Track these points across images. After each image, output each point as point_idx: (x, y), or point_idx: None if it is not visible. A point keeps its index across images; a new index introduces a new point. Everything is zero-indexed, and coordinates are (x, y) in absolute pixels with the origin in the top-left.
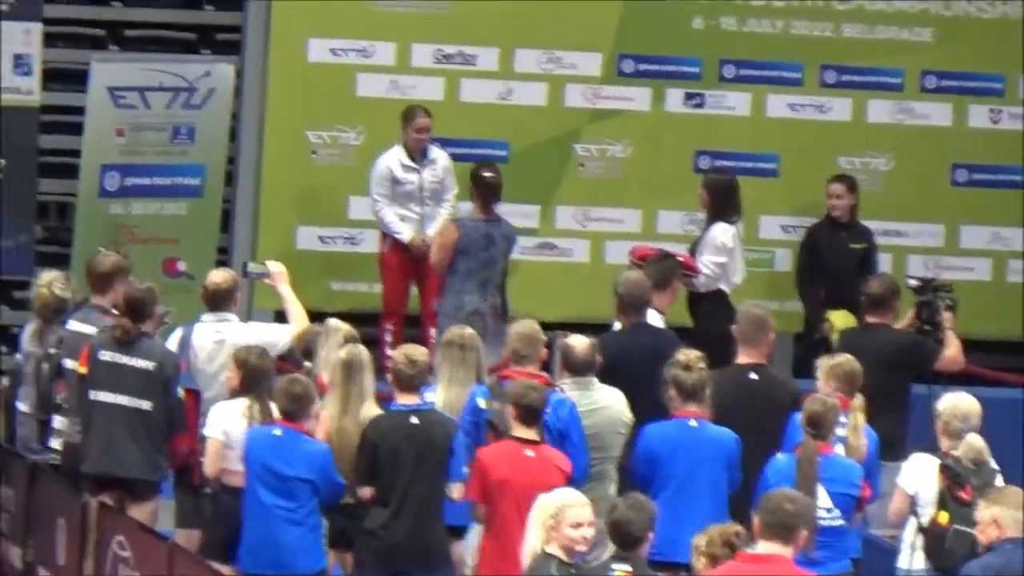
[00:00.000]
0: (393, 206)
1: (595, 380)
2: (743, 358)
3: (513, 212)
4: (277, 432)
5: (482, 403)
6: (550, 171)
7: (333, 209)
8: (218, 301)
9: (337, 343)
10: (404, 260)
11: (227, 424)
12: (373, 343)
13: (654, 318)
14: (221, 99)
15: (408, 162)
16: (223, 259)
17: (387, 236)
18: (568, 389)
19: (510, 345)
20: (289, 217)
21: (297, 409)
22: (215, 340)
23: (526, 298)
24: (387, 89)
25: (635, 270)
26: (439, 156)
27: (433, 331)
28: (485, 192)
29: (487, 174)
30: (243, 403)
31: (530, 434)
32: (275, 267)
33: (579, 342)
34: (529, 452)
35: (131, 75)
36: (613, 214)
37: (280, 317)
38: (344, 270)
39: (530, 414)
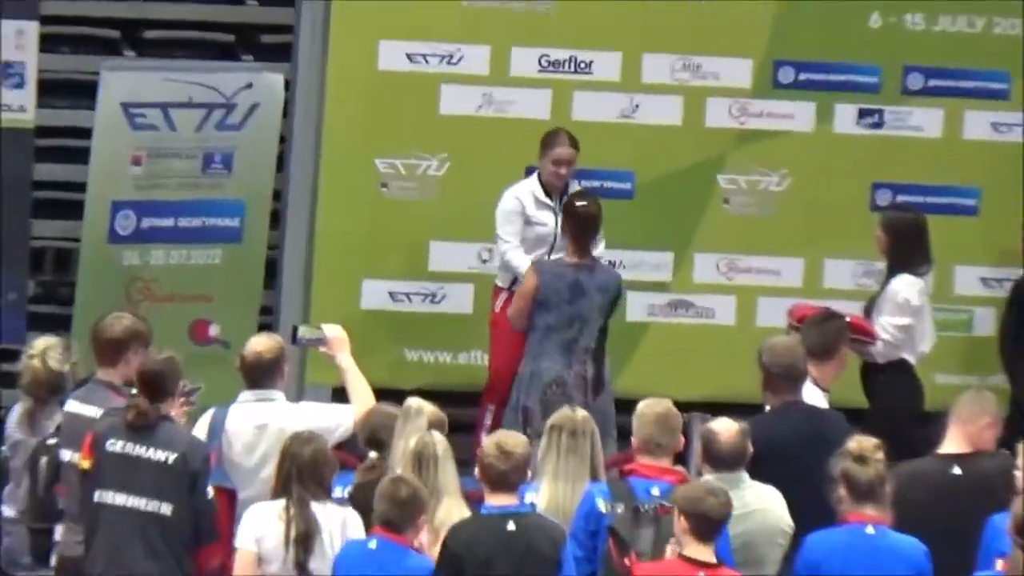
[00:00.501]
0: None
1: (746, 476)
2: (949, 446)
3: (639, 261)
4: (372, 545)
5: (602, 506)
6: (686, 209)
7: (409, 258)
8: (260, 375)
9: (419, 429)
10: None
11: (261, 530)
12: (465, 431)
13: (814, 396)
14: (267, 118)
15: (544, 198)
16: (267, 322)
17: (502, 290)
18: (708, 482)
19: (640, 431)
20: (352, 268)
21: (401, 518)
22: (256, 425)
23: (656, 370)
24: (478, 105)
25: (792, 334)
26: (597, 199)
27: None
28: (576, 226)
29: (580, 203)
30: (281, 504)
31: (705, 554)
32: (333, 332)
33: (725, 428)
34: None
35: (151, 88)
36: (767, 263)
37: (339, 396)
38: (422, 336)
39: (708, 527)
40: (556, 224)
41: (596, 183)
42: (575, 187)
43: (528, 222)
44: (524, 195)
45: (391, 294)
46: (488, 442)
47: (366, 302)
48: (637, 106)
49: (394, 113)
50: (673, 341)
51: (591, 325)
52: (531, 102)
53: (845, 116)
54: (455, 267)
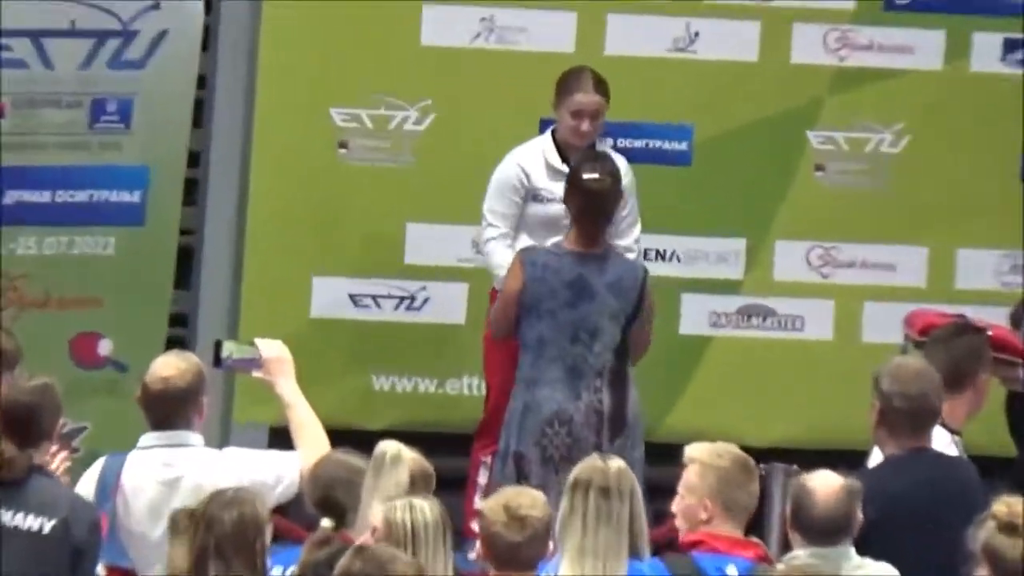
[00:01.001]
0: (519, 241)
1: (853, 552)
2: None
3: (698, 252)
4: None
5: None
6: (765, 178)
7: (378, 247)
8: (169, 411)
9: (397, 486)
10: None
11: None
12: (454, 488)
13: (940, 439)
14: (180, 51)
15: (560, 165)
16: (179, 336)
17: (497, 294)
18: (805, 566)
19: (700, 488)
20: (298, 262)
21: None
22: (163, 480)
23: (720, 403)
24: (475, 34)
25: (913, 354)
26: (616, 165)
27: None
28: (581, 204)
29: (588, 175)
30: None
31: None
32: (271, 350)
33: (824, 486)
34: None
35: (17, 9)
36: (877, 255)
37: (280, 440)
38: (396, 355)
39: None
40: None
41: (639, 143)
42: (608, 153)
43: (536, 198)
44: (530, 160)
45: (353, 297)
46: (492, 504)
47: (318, 308)
48: (696, 35)
49: (357, 44)
50: (745, 363)
51: (603, 337)
52: (548, 30)
53: (986, 50)
54: (441, 260)
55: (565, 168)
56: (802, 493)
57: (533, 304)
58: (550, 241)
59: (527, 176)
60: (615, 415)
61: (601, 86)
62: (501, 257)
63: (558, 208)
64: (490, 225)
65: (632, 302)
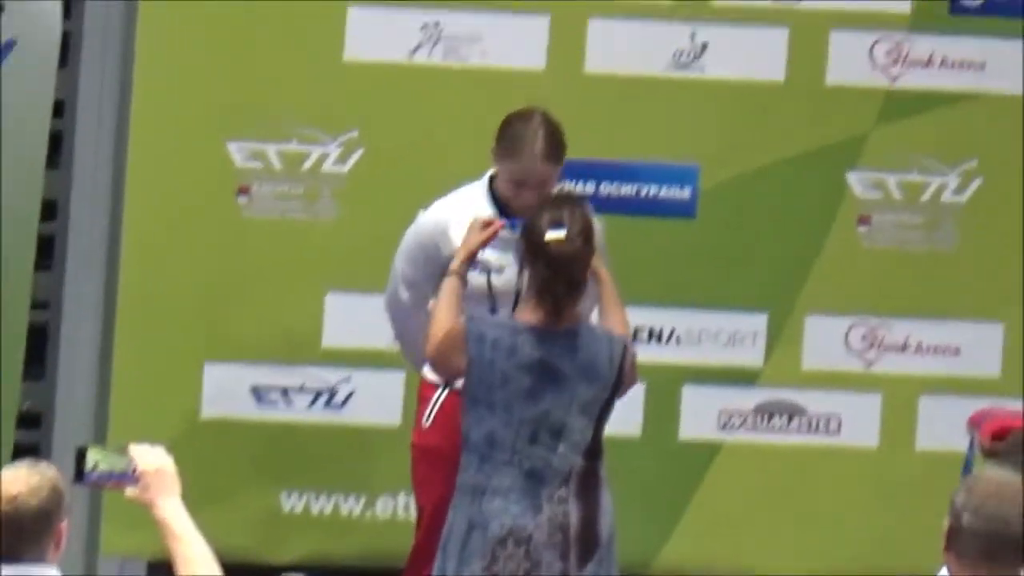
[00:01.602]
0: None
1: None
2: None
3: (706, 330)
4: None
5: None
6: (793, 235)
7: (289, 325)
8: (17, 539)
9: None
10: None
11: None
12: None
13: None
14: (29, 68)
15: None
16: (30, 442)
17: (434, 389)
18: None
19: None
20: (185, 345)
21: None
22: None
23: (733, 528)
24: (416, 45)
25: (984, 465)
26: (588, 214)
27: None
28: (545, 272)
29: (552, 233)
30: None
31: None
32: (149, 460)
33: None
34: None
35: None
36: (937, 333)
37: None
38: (312, 467)
39: None
40: (520, 268)
41: (628, 189)
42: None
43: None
44: (456, 218)
45: (255, 391)
46: None
47: (211, 405)
48: (704, 47)
49: (262, 59)
50: (764, 476)
51: (571, 436)
52: (511, 40)
53: None
54: (370, 341)
55: (506, 233)
56: None
57: (481, 394)
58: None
59: (449, 239)
60: (585, 532)
61: (554, 150)
62: (406, 324)
63: (492, 281)
64: (398, 304)
65: (609, 387)
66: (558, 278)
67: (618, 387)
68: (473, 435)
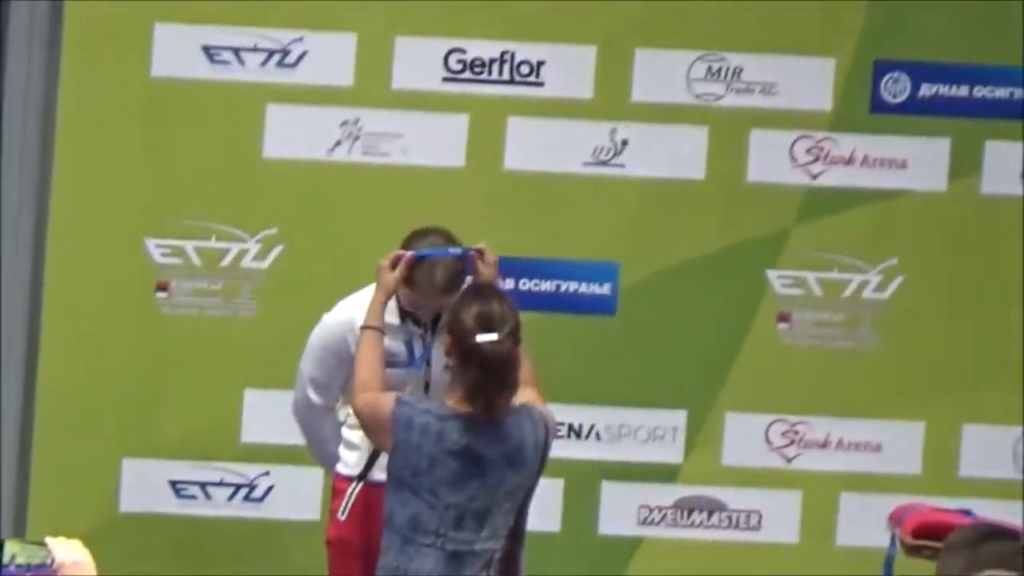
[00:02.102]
0: (345, 412)
1: None
2: None
3: (626, 426)
4: None
5: None
6: (713, 333)
7: (207, 420)
8: None
9: None
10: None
11: None
12: None
13: None
14: None
15: (399, 323)
16: None
17: (347, 481)
18: None
19: None
20: (103, 438)
21: None
22: None
23: None
24: (335, 142)
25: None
26: (513, 308)
27: None
28: (477, 374)
29: (483, 336)
30: None
31: None
32: (65, 553)
33: None
34: None
35: None
36: (857, 431)
37: None
38: (232, 560)
39: None
40: (428, 363)
41: (547, 285)
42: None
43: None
44: (362, 315)
45: (174, 485)
46: None
47: (130, 499)
48: (624, 143)
49: (180, 155)
50: (687, 571)
51: (494, 520)
52: (431, 137)
53: (1002, 164)
54: (289, 437)
55: (413, 326)
56: None
57: (407, 477)
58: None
59: (356, 335)
60: None
61: (454, 281)
62: (327, 445)
63: (403, 374)
64: (309, 401)
65: (534, 472)
66: (490, 379)
67: (542, 469)
68: (396, 517)
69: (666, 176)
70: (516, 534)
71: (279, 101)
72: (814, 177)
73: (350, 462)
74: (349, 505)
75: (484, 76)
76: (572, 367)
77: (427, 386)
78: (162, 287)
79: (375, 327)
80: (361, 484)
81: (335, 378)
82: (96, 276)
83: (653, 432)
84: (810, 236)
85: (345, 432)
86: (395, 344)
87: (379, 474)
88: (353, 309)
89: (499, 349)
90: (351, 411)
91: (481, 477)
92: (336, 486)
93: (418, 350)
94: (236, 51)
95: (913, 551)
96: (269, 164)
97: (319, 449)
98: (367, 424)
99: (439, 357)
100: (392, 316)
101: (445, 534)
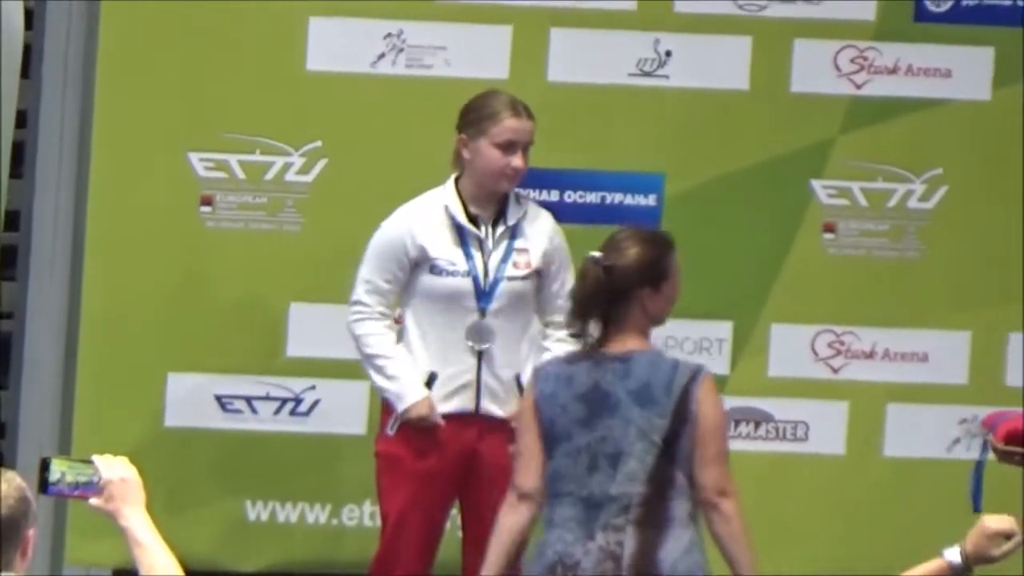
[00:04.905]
0: (407, 318)
1: None
2: None
3: (672, 337)
4: None
5: None
6: (756, 243)
7: (252, 335)
8: None
9: None
10: (435, 452)
11: None
12: None
13: None
14: None
15: (466, 223)
16: None
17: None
18: None
19: None
20: (148, 354)
21: None
22: None
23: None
24: (378, 55)
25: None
26: (539, 223)
27: None
28: (592, 288)
29: (623, 241)
30: None
31: None
32: (113, 471)
33: None
34: None
35: None
36: (903, 341)
37: None
38: (276, 476)
39: None
40: (483, 267)
41: (592, 196)
42: (528, 205)
43: (433, 269)
44: (424, 221)
45: (220, 400)
46: None
47: (174, 414)
48: (667, 54)
49: (224, 69)
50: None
51: (629, 463)
52: (474, 49)
53: None
54: (335, 351)
55: (475, 230)
56: None
57: (547, 429)
58: (442, 323)
59: (416, 242)
60: (640, 562)
61: (527, 108)
62: (381, 349)
63: (460, 283)
64: (361, 305)
65: (667, 414)
66: (599, 291)
67: (682, 417)
68: (551, 467)
69: (710, 87)
70: (663, 481)
71: (322, 15)
72: (858, 87)
73: (389, 379)
74: (398, 421)
75: None
76: None
77: (479, 294)
78: (206, 201)
79: None
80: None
81: (392, 284)
82: (139, 191)
83: (699, 344)
84: (854, 146)
85: (399, 350)
86: (453, 251)
87: (410, 395)
88: (410, 213)
89: (628, 257)
90: (406, 327)
91: (610, 416)
92: (386, 401)
93: (476, 256)
94: None
95: (1005, 457)
96: (313, 78)
97: (371, 364)
98: (520, 426)
99: (496, 263)
100: (463, 219)
101: (580, 479)
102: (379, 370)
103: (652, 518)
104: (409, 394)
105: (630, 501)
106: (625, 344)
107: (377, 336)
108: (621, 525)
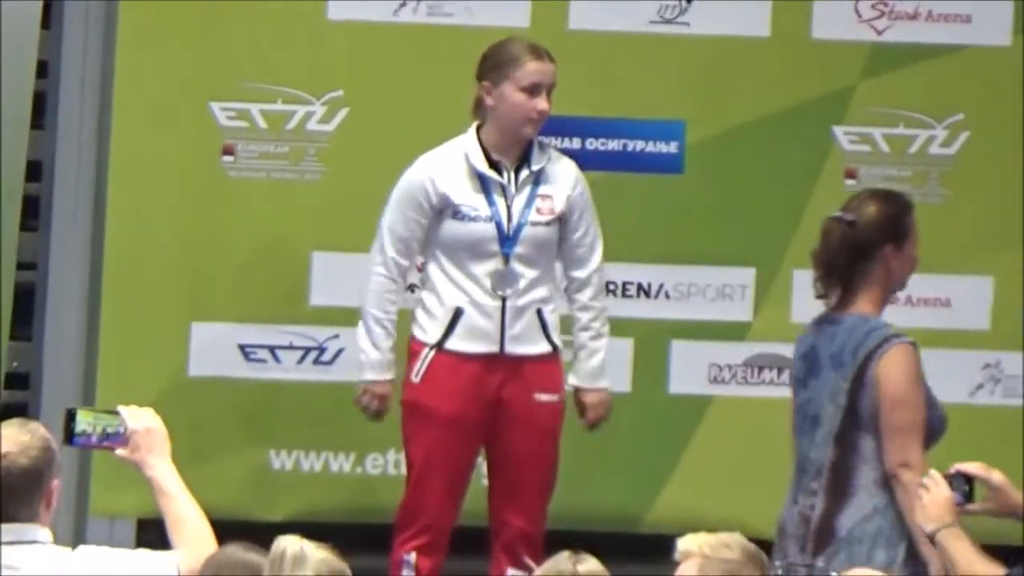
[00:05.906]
0: (431, 266)
1: None
2: None
3: (693, 285)
4: None
5: None
6: (778, 189)
7: (275, 283)
8: (9, 499)
9: None
10: (460, 398)
11: None
12: None
13: None
14: (13, 30)
15: (487, 170)
16: (16, 401)
17: (423, 347)
18: None
19: None
20: (171, 303)
21: None
22: None
23: (723, 485)
24: (398, 4)
25: None
26: (563, 170)
27: (512, 572)
28: (832, 246)
29: (839, 214)
30: None
31: None
32: (139, 421)
33: None
34: None
35: None
36: (926, 287)
37: (152, 535)
38: (300, 425)
39: None
40: (507, 213)
41: (614, 144)
42: (549, 152)
43: (456, 214)
44: (446, 168)
45: (243, 349)
46: None
47: (198, 364)
48: (688, 1)
49: (245, 19)
50: (754, 431)
51: (824, 425)
52: (496, 4)
53: None
54: (358, 300)
55: (498, 176)
56: None
57: (793, 389)
58: (472, 280)
59: (438, 189)
60: (823, 526)
61: (548, 53)
62: (380, 305)
63: (483, 228)
64: (383, 253)
65: (849, 377)
66: (830, 251)
67: (861, 382)
68: None
69: (731, 33)
70: (851, 447)
71: None
72: (879, 33)
73: (428, 328)
74: (423, 369)
75: None
76: (639, 226)
77: (503, 239)
78: (228, 151)
79: None
80: (436, 351)
81: (415, 231)
82: (161, 140)
83: (722, 290)
84: (876, 92)
85: (425, 297)
86: (475, 197)
87: (455, 343)
88: (433, 160)
89: (873, 213)
90: (429, 274)
91: (816, 378)
92: (412, 348)
93: (498, 202)
94: None
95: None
96: (334, 26)
97: (365, 321)
98: None
99: (520, 208)
100: (484, 166)
101: (796, 441)
102: (369, 331)
103: (839, 485)
104: (380, 371)
105: (822, 465)
106: (855, 308)
107: (385, 296)
108: (815, 489)
